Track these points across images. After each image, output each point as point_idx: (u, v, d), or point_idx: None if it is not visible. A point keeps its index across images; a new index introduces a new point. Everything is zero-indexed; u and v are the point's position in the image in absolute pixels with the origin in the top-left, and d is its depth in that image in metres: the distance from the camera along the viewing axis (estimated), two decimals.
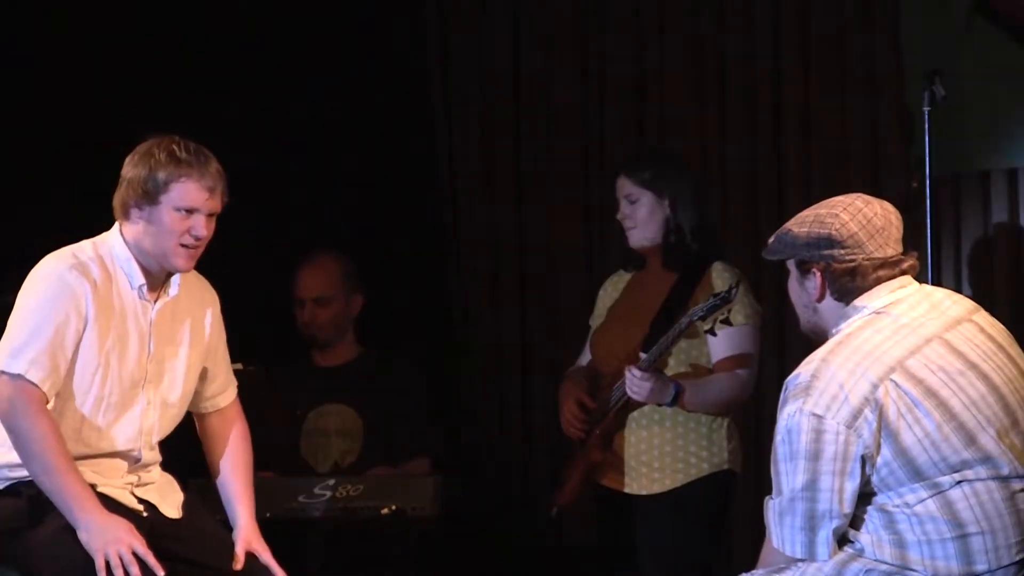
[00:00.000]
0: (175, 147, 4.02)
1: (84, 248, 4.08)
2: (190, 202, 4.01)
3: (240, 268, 5.76)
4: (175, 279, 4.12)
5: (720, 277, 4.67)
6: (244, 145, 5.94)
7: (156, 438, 4.14)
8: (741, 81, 5.82)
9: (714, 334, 4.56)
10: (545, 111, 6.16)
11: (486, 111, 6.25)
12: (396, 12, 6.25)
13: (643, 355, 4.57)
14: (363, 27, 6.16)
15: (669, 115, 5.94)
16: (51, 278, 4.00)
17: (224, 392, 4.32)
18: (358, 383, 5.56)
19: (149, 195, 4.00)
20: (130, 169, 4.05)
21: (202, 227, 4.03)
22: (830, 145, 5.66)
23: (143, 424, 4.10)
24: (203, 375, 4.25)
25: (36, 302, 3.99)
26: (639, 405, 4.66)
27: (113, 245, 4.07)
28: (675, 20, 5.92)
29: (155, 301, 4.10)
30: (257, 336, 5.44)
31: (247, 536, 4.18)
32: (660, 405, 4.62)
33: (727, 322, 4.51)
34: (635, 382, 4.55)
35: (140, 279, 4.06)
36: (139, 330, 4.07)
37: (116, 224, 4.10)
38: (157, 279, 4.10)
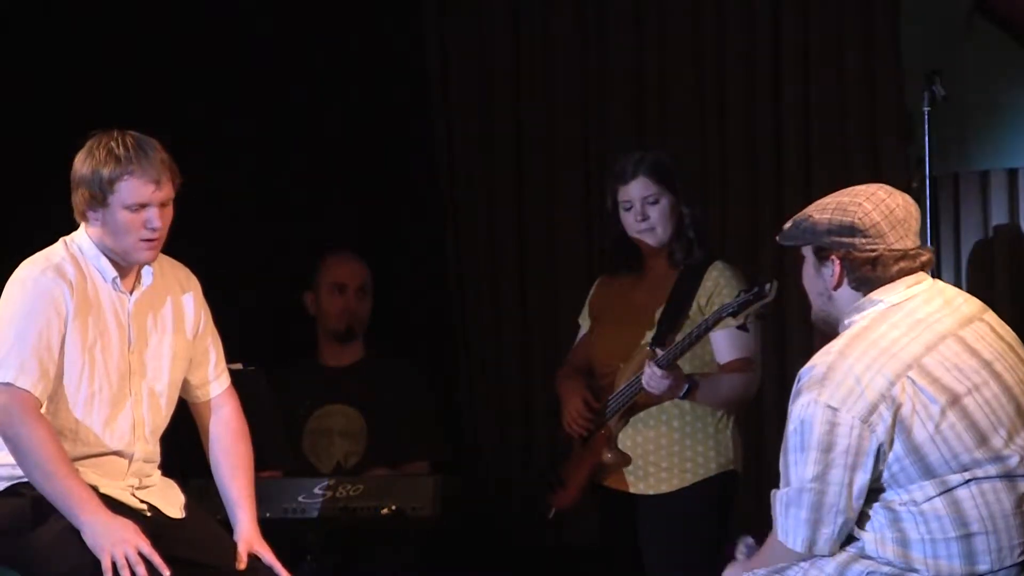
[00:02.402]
0: (113, 144, 3.97)
1: (56, 250, 4.06)
2: (138, 198, 3.97)
3: (240, 269, 5.78)
4: (147, 268, 4.09)
5: (723, 275, 4.68)
6: (244, 146, 5.95)
7: (149, 429, 4.11)
8: (741, 81, 5.82)
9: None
10: (545, 111, 6.16)
11: (486, 111, 6.25)
12: (395, 12, 6.24)
13: (659, 351, 4.57)
14: (362, 27, 6.16)
15: (669, 115, 5.94)
16: (27, 284, 3.98)
17: (216, 380, 4.27)
18: (361, 384, 5.55)
19: (97, 198, 3.97)
20: (77, 170, 4.01)
21: (156, 218, 3.99)
22: (830, 145, 5.66)
23: (135, 417, 4.08)
24: (191, 360, 4.21)
25: (15, 309, 3.96)
26: (646, 405, 4.67)
27: (81, 243, 4.05)
28: (675, 20, 5.92)
29: (131, 292, 4.08)
30: (257, 336, 5.44)
31: (248, 538, 4.16)
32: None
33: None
34: (655, 378, 4.54)
35: (112, 272, 4.04)
36: (118, 323, 4.05)
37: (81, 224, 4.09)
38: (129, 270, 4.08)
